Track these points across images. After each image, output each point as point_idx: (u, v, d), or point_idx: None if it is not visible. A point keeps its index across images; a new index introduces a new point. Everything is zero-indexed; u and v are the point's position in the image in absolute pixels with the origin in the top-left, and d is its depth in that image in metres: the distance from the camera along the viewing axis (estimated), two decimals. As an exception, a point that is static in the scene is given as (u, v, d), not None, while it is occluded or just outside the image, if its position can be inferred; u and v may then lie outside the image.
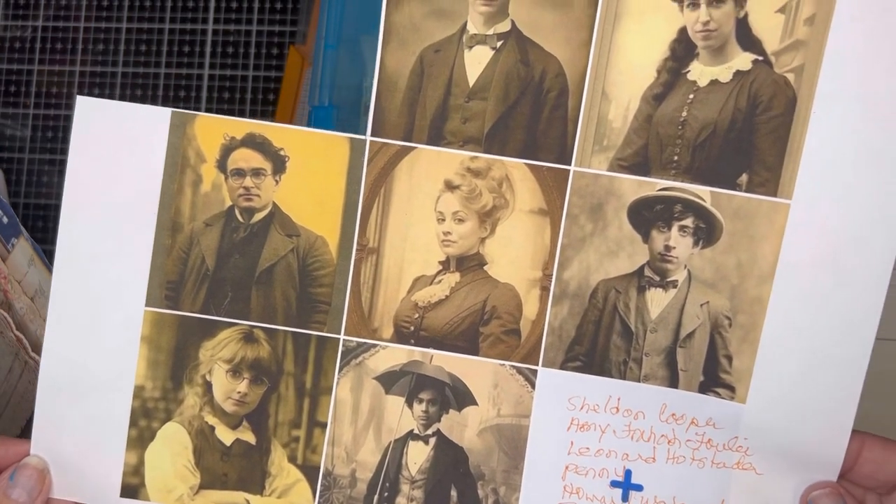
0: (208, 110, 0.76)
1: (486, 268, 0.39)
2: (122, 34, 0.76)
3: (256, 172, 0.39)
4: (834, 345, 0.36)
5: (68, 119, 0.76)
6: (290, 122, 0.73)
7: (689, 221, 0.37)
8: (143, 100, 0.77)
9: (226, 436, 0.40)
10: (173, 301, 0.39)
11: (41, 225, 0.70)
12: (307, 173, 0.39)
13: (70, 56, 0.75)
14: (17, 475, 0.38)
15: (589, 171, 0.37)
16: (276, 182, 0.39)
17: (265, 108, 0.77)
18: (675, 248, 0.37)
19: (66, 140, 0.71)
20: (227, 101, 0.76)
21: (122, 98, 0.77)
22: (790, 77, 0.36)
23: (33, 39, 0.67)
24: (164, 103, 0.77)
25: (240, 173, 0.39)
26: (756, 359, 0.37)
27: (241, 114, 0.77)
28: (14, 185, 0.63)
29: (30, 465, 0.38)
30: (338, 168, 0.39)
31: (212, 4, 0.77)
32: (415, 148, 0.38)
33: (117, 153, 0.39)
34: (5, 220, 0.45)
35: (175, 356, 0.39)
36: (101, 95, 0.76)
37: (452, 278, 0.39)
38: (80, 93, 0.76)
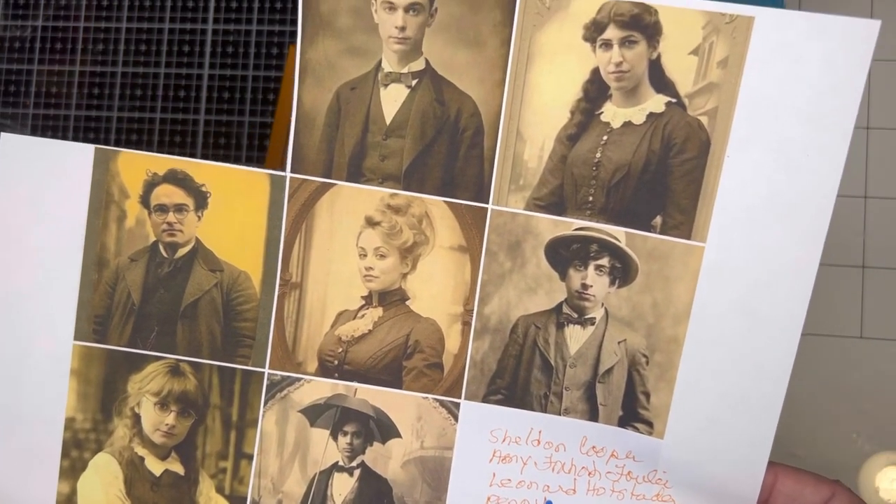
0: (208, 110, 0.76)
1: (408, 303, 0.39)
2: (122, 34, 0.76)
3: (179, 208, 0.39)
4: (749, 386, 0.36)
5: (68, 119, 0.75)
6: (290, 121, 0.72)
7: (604, 261, 0.37)
8: (143, 100, 0.77)
9: (155, 466, 0.40)
10: (101, 335, 0.40)
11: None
12: (228, 209, 0.39)
13: (70, 56, 0.75)
14: None
15: (506, 210, 0.37)
16: (199, 218, 0.39)
17: (265, 107, 0.76)
18: (591, 286, 0.37)
19: (65, 140, 0.71)
20: (227, 101, 0.76)
21: (122, 99, 0.76)
22: (704, 120, 0.35)
23: (33, 39, 0.66)
24: (164, 103, 0.77)
25: (163, 209, 0.39)
26: (673, 396, 0.37)
27: (241, 114, 0.77)
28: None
29: None
30: (258, 204, 0.39)
31: (212, 4, 0.76)
32: (335, 184, 0.38)
33: (43, 190, 0.39)
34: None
35: (104, 389, 0.40)
36: (100, 95, 0.76)
37: (375, 313, 0.39)
38: (80, 92, 0.76)
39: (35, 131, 0.64)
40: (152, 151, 0.39)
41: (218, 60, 0.78)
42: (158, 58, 0.78)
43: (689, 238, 0.36)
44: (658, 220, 0.36)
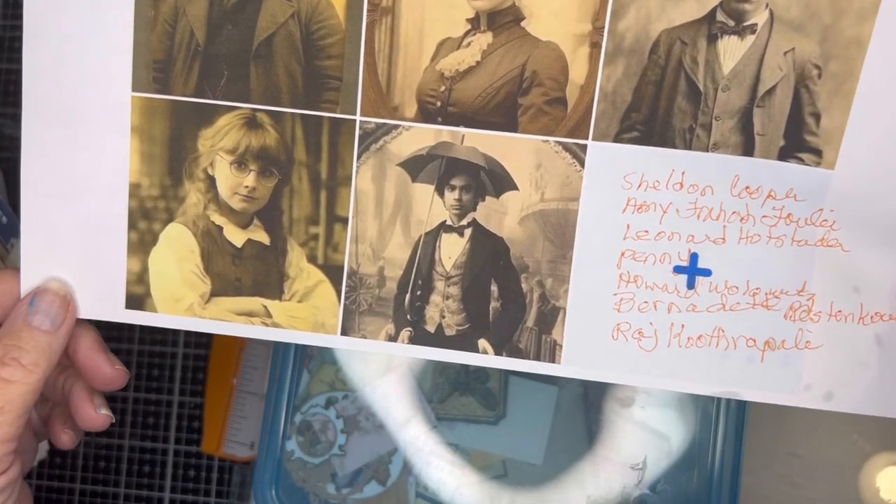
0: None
1: (523, 23, 0.32)
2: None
3: (243, -79, 0.32)
4: (949, 90, 0.30)
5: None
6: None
7: (773, -55, 0.30)
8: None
9: (236, 236, 0.35)
10: (163, 84, 0.34)
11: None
12: (303, -82, 0.32)
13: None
14: (38, 300, 0.34)
15: None
16: (268, -68, 0.32)
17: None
18: (755, -19, 0.30)
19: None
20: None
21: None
22: None
23: (33, 38, 0.61)
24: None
25: (223, -76, 0.33)
26: (850, 115, 0.31)
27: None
28: (13, 186, 0.59)
29: (50, 290, 0.34)
30: None
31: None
32: None
33: None
34: (4, 220, 0.43)
35: (171, 148, 0.35)
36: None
37: (484, 39, 0.33)
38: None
39: (35, 131, 0.59)
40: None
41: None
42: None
43: None
44: None
